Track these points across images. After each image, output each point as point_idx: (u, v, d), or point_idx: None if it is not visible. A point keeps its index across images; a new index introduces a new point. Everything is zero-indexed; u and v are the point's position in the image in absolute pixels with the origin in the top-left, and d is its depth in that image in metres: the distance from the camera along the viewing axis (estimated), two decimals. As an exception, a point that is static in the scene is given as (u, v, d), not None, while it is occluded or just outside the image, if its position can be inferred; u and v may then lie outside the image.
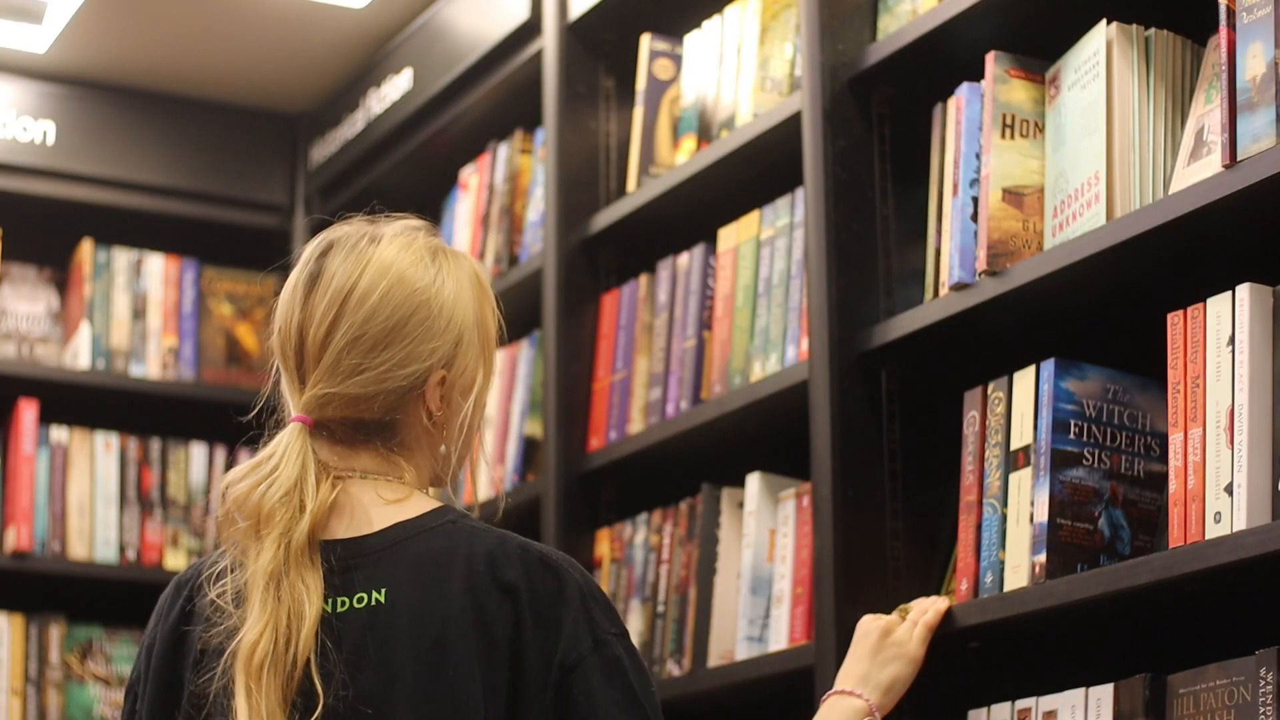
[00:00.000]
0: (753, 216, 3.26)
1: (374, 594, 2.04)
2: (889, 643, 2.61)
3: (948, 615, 2.68)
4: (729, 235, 3.30)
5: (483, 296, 2.19)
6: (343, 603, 2.04)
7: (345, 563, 2.06)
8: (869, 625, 2.64)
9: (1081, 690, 2.49)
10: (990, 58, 2.75)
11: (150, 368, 4.69)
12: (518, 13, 3.88)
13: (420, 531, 2.08)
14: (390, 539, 2.08)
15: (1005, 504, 2.64)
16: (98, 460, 4.61)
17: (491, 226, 4.04)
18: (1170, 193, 2.48)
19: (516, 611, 2.02)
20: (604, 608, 2.05)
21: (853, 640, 2.64)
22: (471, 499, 2.32)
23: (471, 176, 4.18)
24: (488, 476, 2.23)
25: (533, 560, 2.05)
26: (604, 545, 3.53)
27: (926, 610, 2.65)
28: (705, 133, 3.42)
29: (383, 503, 2.11)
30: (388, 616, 2.03)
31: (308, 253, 2.21)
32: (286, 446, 2.09)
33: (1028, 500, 2.60)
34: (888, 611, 2.79)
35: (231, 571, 2.08)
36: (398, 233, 2.21)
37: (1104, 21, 2.63)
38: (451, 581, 2.03)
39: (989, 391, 2.70)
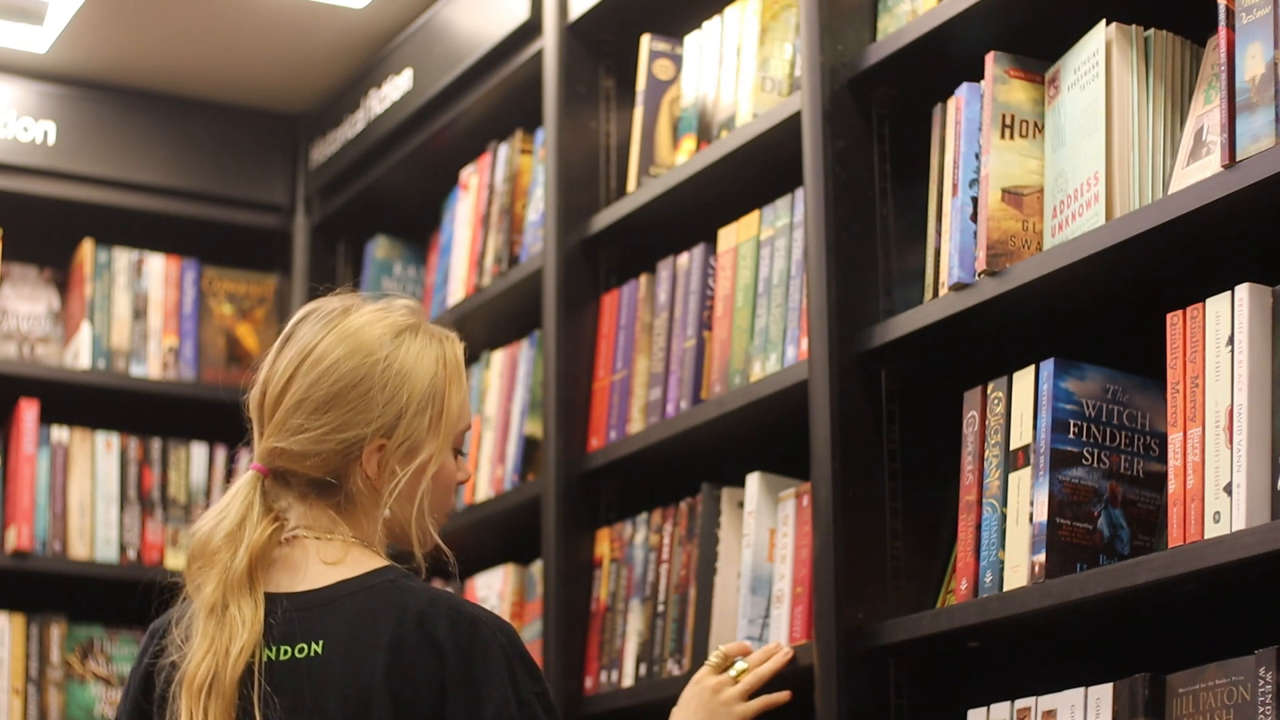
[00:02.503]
0: (753, 216, 3.26)
1: (313, 645, 2.22)
2: (719, 701, 2.79)
3: (948, 614, 2.69)
4: (729, 235, 3.31)
5: (450, 377, 2.33)
6: (285, 651, 2.22)
7: (289, 614, 2.24)
8: (703, 680, 2.82)
9: (1081, 690, 2.49)
10: (990, 58, 2.76)
11: (151, 368, 4.70)
12: (518, 13, 3.88)
13: (359, 590, 2.25)
14: (330, 595, 2.26)
15: (1005, 504, 2.65)
16: (98, 460, 4.61)
17: (491, 226, 4.04)
18: (1169, 193, 2.49)
19: (443, 669, 2.19)
20: (527, 668, 2.22)
21: (684, 692, 2.82)
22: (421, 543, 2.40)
23: (472, 177, 4.18)
24: (429, 543, 2.37)
25: (462, 621, 2.21)
26: (604, 545, 3.53)
27: (760, 670, 2.82)
28: (705, 133, 3.42)
29: (322, 563, 2.27)
30: (323, 666, 2.21)
31: (294, 317, 2.36)
32: (236, 491, 2.30)
33: (1027, 500, 2.60)
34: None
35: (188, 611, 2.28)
36: (376, 308, 2.35)
37: (1103, 22, 2.63)
38: (382, 636, 2.20)
39: (989, 391, 2.70)
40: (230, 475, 4.70)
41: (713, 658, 2.87)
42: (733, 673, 2.84)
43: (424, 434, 2.30)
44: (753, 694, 2.83)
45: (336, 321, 2.31)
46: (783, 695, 2.84)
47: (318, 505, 2.31)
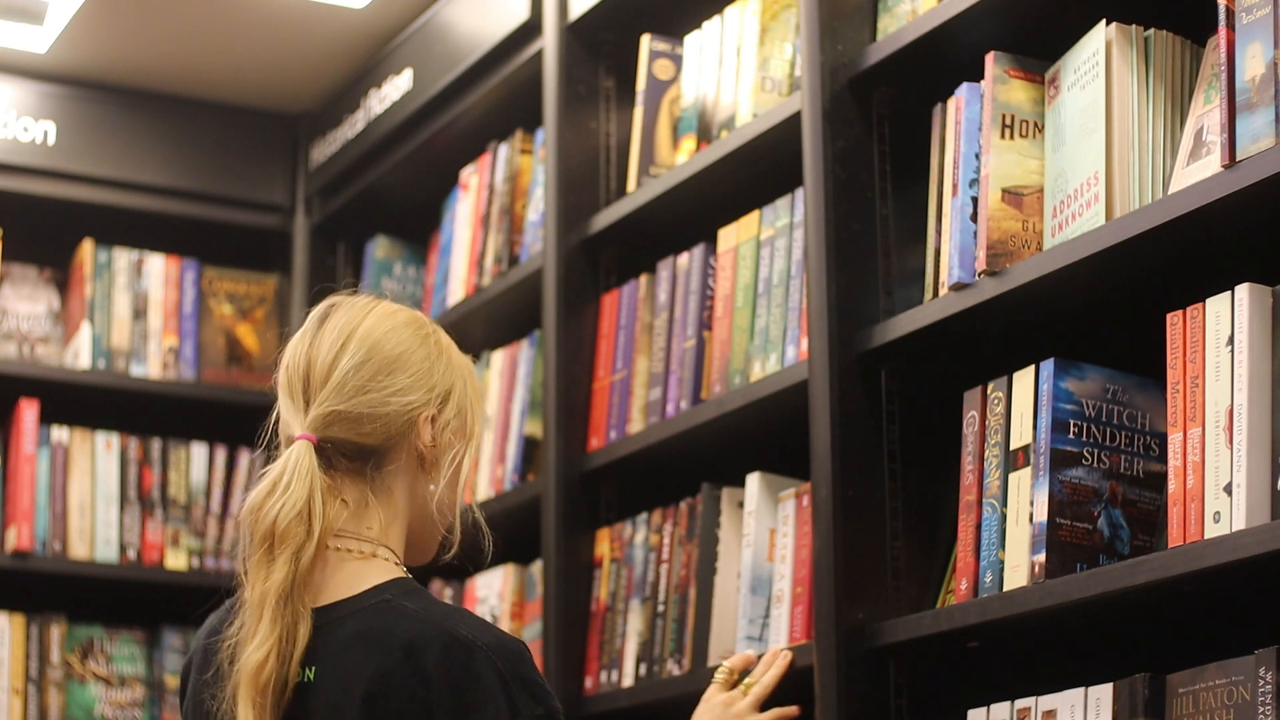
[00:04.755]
0: (753, 216, 3.26)
1: (307, 671, 2.12)
2: (732, 715, 2.83)
3: (948, 614, 2.69)
4: (729, 235, 3.31)
5: (470, 378, 2.31)
6: (300, 673, 2.13)
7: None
8: (713, 698, 2.86)
9: (1081, 690, 2.49)
10: (990, 58, 2.76)
11: (151, 368, 4.69)
12: (518, 13, 3.89)
13: (355, 611, 2.15)
14: (330, 616, 2.15)
15: (1005, 504, 2.65)
16: (98, 460, 4.61)
17: (491, 226, 4.04)
18: (1169, 193, 2.49)
19: (429, 699, 2.08)
20: (529, 691, 2.11)
21: (696, 712, 2.86)
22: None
23: (472, 177, 4.18)
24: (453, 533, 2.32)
25: (455, 647, 2.10)
26: (604, 545, 3.53)
27: (766, 679, 2.87)
28: (705, 133, 3.42)
29: (336, 569, 2.18)
30: (314, 693, 2.11)
31: (313, 313, 2.30)
32: (297, 463, 2.16)
33: (1027, 500, 2.60)
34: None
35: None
36: (394, 307, 2.32)
37: (1103, 22, 2.63)
38: (366, 668, 2.10)
39: (989, 391, 2.70)
40: (230, 475, 4.70)
41: (719, 675, 2.88)
42: (740, 687, 2.87)
43: (465, 420, 2.27)
44: (762, 703, 2.85)
45: (371, 307, 2.28)
46: (792, 710, 2.85)
47: (351, 481, 2.21)
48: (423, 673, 2.09)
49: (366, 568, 2.19)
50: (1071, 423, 2.59)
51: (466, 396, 2.28)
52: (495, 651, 2.11)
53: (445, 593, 4.08)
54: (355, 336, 2.24)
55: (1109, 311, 2.72)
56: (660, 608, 3.33)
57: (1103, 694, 2.45)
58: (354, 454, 2.21)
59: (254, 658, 2.08)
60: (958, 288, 2.75)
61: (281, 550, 2.12)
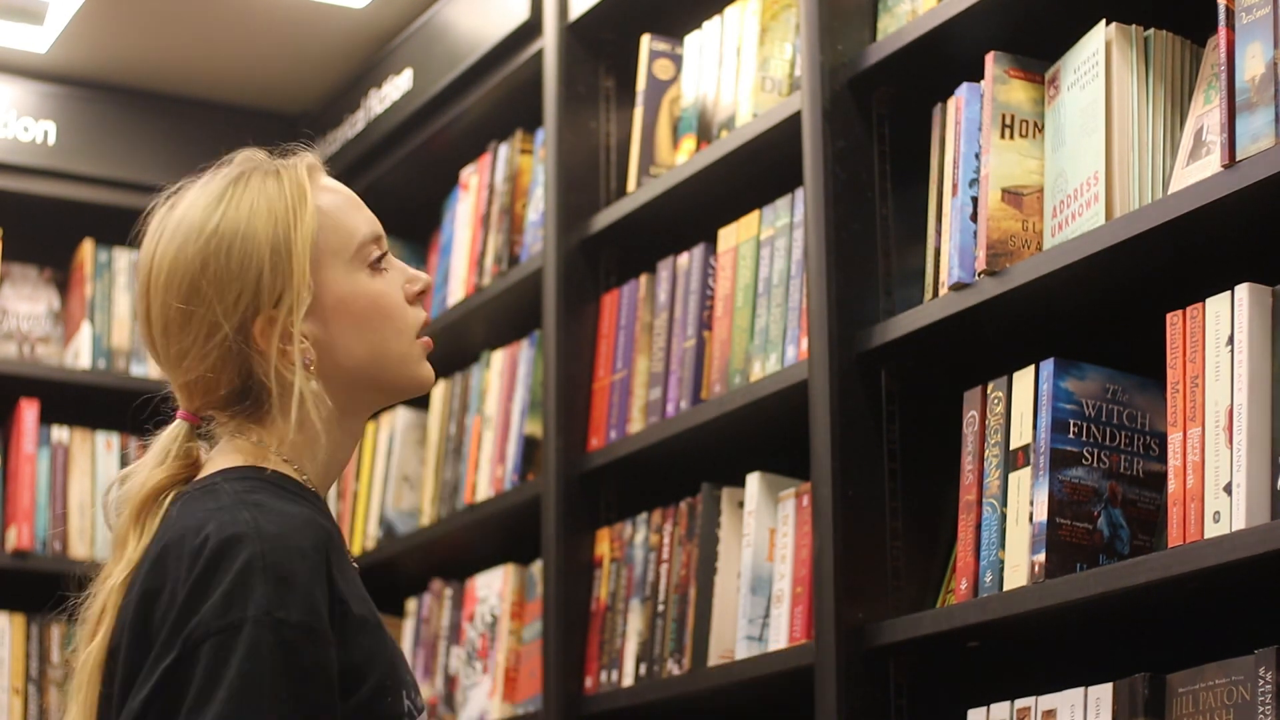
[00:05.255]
0: (753, 216, 3.26)
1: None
2: None
3: (948, 614, 2.69)
4: (729, 235, 3.31)
5: (294, 205, 1.94)
6: None
7: None
8: None
9: (1081, 689, 2.49)
10: (990, 58, 2.76)
11: (151, 367, 4.69)
12: (518, 13, 3.89)
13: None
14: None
15: (1005, 503, 2.65)
16: (99, 460, 4.61)
17: (492, 226, 4.04)
18: (1169, 193, 2.49)
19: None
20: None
21: None
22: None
23: (472, 176, 4.18)
24: (418, 376, 1.99)
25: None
26: (604, 545, 3.53)
27: None
28: (705, 133, 3.42)
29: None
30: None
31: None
32: (151, 446, 2.00)
33: (1027, 500, 2.60)
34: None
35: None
36: (202, 181, 2.00)
37: (1103, 22, 2.63)
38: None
39: (988, 391, 2.70)
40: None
41: None
42: None
43: (303, 278, 1.90)
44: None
45: (165, 222, 1.96)
46: None
47: (238, 420, 1.94)
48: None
49: (219, 458, 1.96)
50: (1071, 423, 2.59)
51: (286, 260, 1.91)
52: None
53: (445, 592, 4.08)
54: (151, 286, 1.95)
55: (1109, 311, 2.72)
56: (660, 608, 3.33)
57: (1103, 694, 2.45)
58: (229, 404, 1.95)
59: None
60: (958, 288, 2.75)
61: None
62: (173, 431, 2.00)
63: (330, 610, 1.80)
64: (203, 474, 1.93)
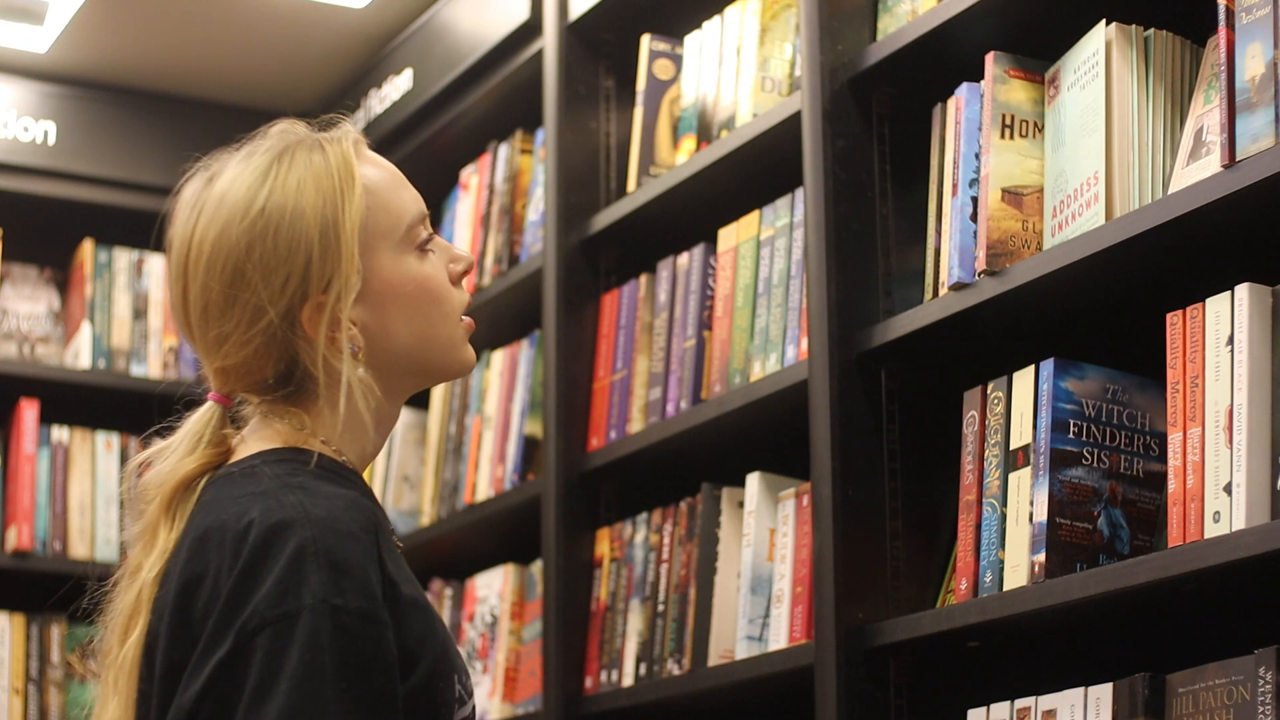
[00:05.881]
0: (753, 216, 3.26)
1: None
2: None
3: (948, 614, 2.69)
4: (729, 235, 3.31)
5: (343, 186, 1.86)
6: None
7: None
8: None
9: (1081, 689, 2.49)
10: (990, 58, 2.76)
11: (151, 367, 4.70)
12: (518, 13, 3.89)
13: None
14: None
15: (1004, 503, 2.65)
16: (99, 460, 4.61)
17: (492, 226, 4.04)
18: (1169, 193, 2.49)
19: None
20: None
21: None
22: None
23: (472, 176, 4.18)
24: (462, 359, 1.94)
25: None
26: (604, 545, 3.53)
27: None
28: (705, 133, 3.42)
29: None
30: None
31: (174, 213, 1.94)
32: (185, 427, 1.92)
33: (1027, 500, 2.60)
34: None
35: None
36: (240, 158, 1.92)
37: (1103, 22, 2.63)
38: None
39: (988, 391, 2.70)
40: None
41: None
42: None
43: (352, 262, 1.83)
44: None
45: (202, 199, 1.90)
46: None
47: (275, 404, 1.87)
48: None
49: (254, 443, 1.90)
50: (1071, 422, 2.59)
51: (337, 242, 1.84)
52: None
53: (445, 592, 4.08)
54: (189, 267, 1.88)
55: (1109, 311, 2.72)
56: (660, 607, 3.33)
57: (1103, 694, 2.45)
58: (266, 387, 1.88)
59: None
60: (958, 288, 2.75)
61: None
62: (205, 415, 1.91)
63: (382, 593, 1.75)
64: (237, 457, 1.86)
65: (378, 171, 1.91)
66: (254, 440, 1.87)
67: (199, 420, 1.90)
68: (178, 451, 1.89)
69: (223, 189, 1.88)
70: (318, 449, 1.84)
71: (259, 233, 1.84)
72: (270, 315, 1.82)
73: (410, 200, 1.92)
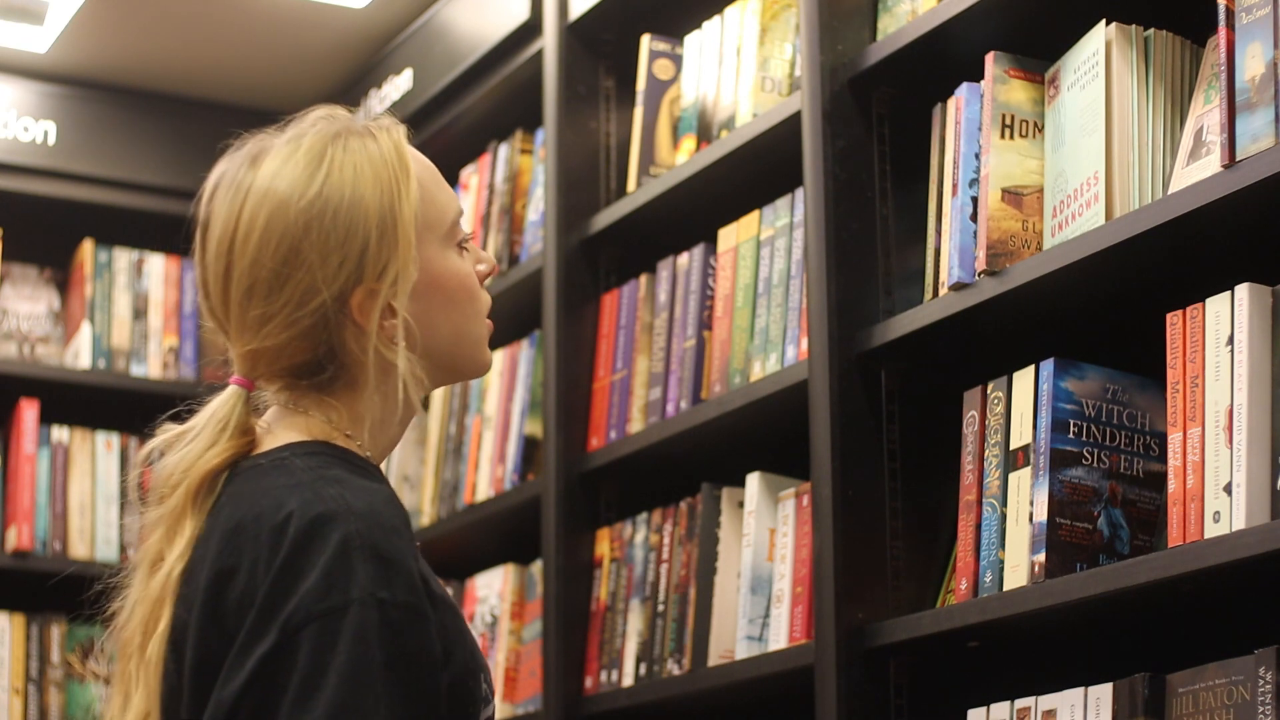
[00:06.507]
0: (753, 216, 3.26)
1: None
2: None
3: (948, 614, 2.69)
4: (729, 235, 3.31)
5: (399, 174, 1.87)
6: None
7: None
8: None
9: (1081, 689, 2.49)
10: (990, 58, 2.76)
11: (151, 368, 4.70)
12: (518, 13, 3.89)
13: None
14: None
15: (1005, 503, 2.65)
16: (99, 460, 4.61)
17: (492, 226, 4.05)
18: (1169, 193, 2.49)
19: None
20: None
21: None
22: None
23: (472, 176, 4.18)
24: (481, 361, 1.93)
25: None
26: (604, 545, 3.53)
27: None
28: (705, 133, 3.42)
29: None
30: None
31: (205, 191, 1.92)
32: (210, 411, 1.87)
33: (1027, 500, 2.60)
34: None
35: None
36: (287, 140, 1.89)
37: (1103, 22, 2.63)
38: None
39: (988, 391, 2.70)
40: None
41: None
42: None
43: (409, 251, 1.83)
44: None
45: (248, 181, 1.86)
46: None
47: (302, 393, 1.86)
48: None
49: (281, 434, 1.88)
50: (1071, 422, 2.59)
51: (393, 231, 1.83)
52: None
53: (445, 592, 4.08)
54: (235, 246, 1.84)
55: (1109, 311, 2.72)
56: (660, 607, 3.33)
57: (1103, 694, 2.45)
58: (292, 372, 1.87)
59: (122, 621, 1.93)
60: (958, 288, 2.75)
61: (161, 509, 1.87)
62: (229, 400, 1.87)
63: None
64: (263, 447, 1.83)
65: (421, 166, 1.92)
66: (280, 431, 1.85)
67: (223, 405, 1.87)
68: (202, 438, 1.85)
69: (274, 169, 1.86)
70: (343, 442, 1.83)
71: (316, 213, 1.82)
72: (324, 296, 1.81)
73: (451, 197, 1.93)
